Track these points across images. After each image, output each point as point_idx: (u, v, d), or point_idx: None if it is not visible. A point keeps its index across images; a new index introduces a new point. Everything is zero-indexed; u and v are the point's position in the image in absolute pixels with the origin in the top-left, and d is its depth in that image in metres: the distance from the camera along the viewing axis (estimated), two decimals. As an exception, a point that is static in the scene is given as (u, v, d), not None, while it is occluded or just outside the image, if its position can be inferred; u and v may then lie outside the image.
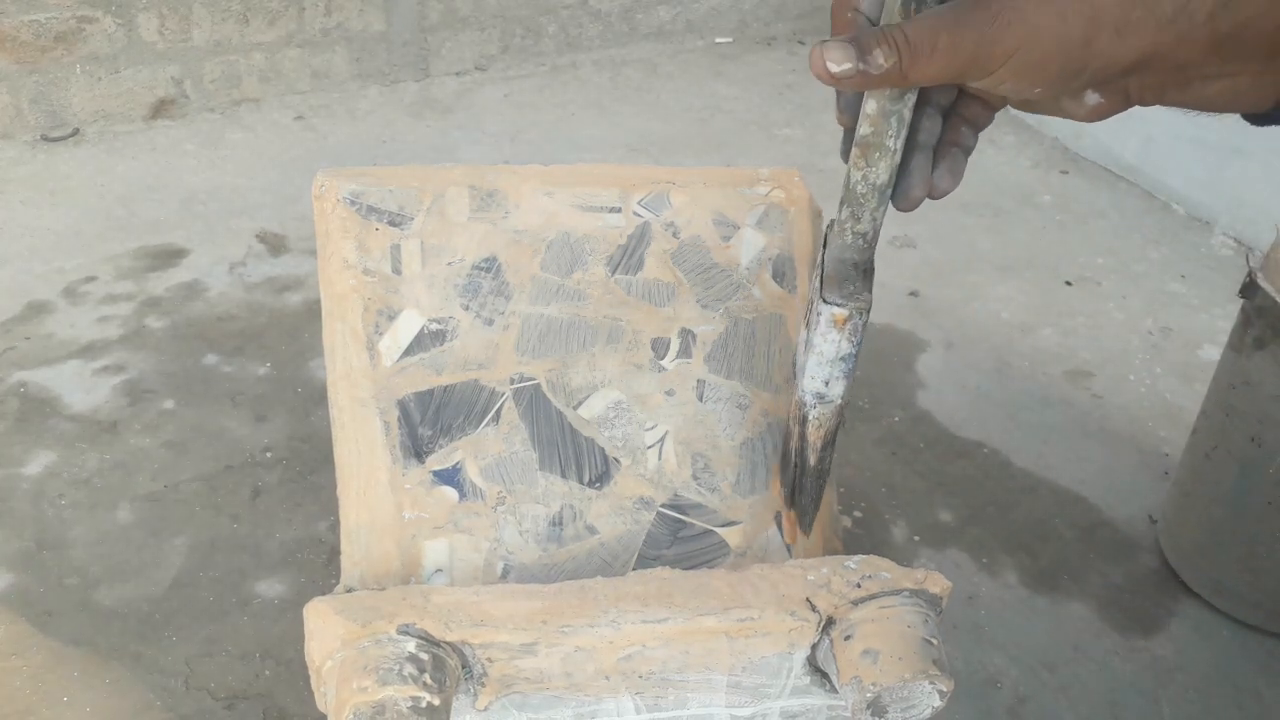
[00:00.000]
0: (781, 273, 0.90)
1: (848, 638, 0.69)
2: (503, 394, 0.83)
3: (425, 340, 0.83)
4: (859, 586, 0.71)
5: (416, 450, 0.80)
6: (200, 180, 2.47)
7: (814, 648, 0.71)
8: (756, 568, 0.74)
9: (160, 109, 2.71)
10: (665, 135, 2.84)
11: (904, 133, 0.57)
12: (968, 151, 0.59)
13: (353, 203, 0.84)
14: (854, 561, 0.74)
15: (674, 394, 0.85)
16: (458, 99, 2.95)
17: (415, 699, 0.63)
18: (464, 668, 0.68)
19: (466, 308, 0.84)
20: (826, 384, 0.69)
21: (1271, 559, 1.45)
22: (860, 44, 0.50)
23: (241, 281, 2.12)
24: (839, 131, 0.61)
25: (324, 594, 0.70)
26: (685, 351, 0.87)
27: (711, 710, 0.73)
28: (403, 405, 0.81)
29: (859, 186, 0.60)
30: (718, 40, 3.43)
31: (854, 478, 1.73)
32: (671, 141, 2.80)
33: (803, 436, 0.74)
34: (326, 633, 0.66)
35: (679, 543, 0.82)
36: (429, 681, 0.63)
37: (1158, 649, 1.49)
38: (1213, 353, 2.03)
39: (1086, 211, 2.58)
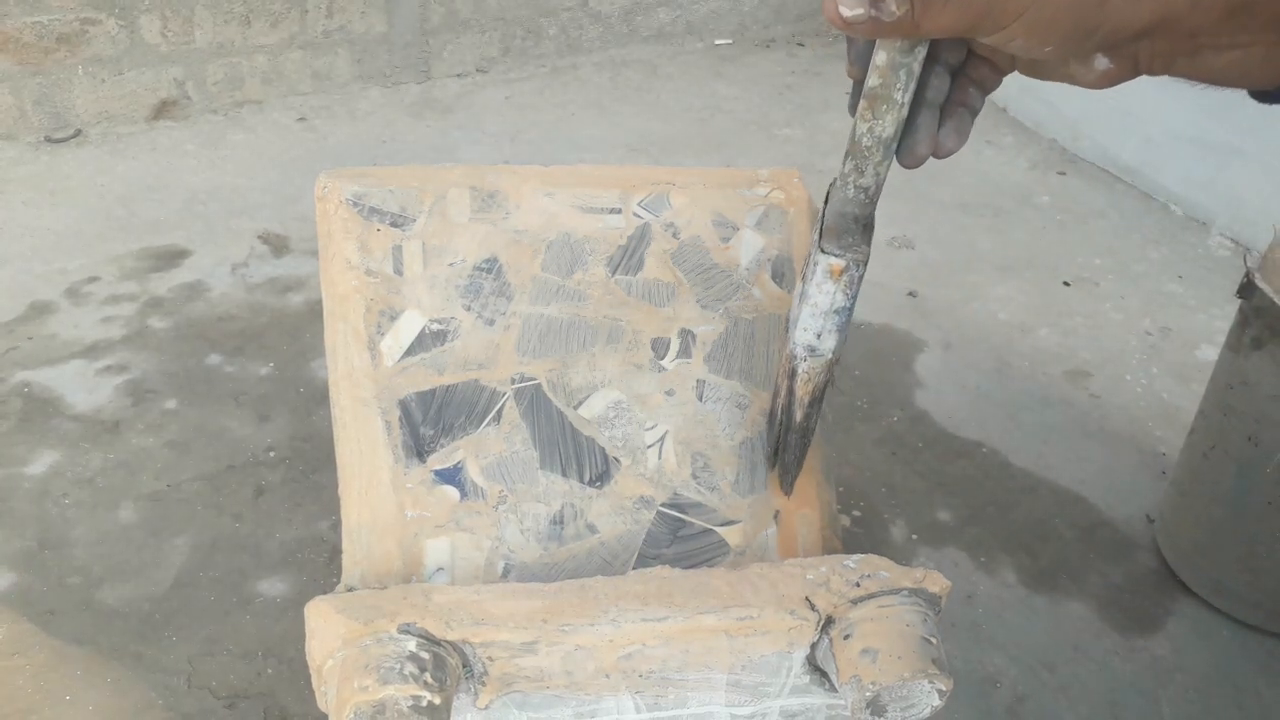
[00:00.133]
0: (781, 273, 0.90)
1: (847, 637, 0.70)
2: (504, 394, 0.83)
3: (427, 340, 0.84)
4: (858, 585, 0.71)
5: (418, 450, 0.81)
6: (202, 181, 2.48)
7: (813, 647, 0.72)
8: (756, 566, 0.74)
9: (162, 110, 2.72)
10: (665, 136, 2.84)
11: (912, 87, 0.56)
12: (974, 113, 0.59)
13: (355, 204, 0.85)
14: (853, 560, 0.74)
15: (674, 394, 0.86)
16: (458, 100, 2.95)
17: (416, 698, 0.63)
18: (465, 666, 0.68)
19: (468, 308, 0.85)
20: (819, 336, 0.68)
21: (1270, 558, 1.45)
22: None
23: (243, 282, 2.13)
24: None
25: (325, 593, 0.70)
26: (685, 351, 0.87)
27: (711, 709, 0.73)
28: (404, 405, 0.81)
29: (864, 139, 0.59)
30: (717, 42, 3.43)
31: (853, 477, 1.73)
32: (671, 142, 2.81)
33: (790, 391, 0.73)
34: (328, 632, 0.66)
35: (679, 542, 0.82)
36: (430, 680, 0.64)
37: (1157, 649, 1.49)
38: (1210, 353, 2.04)
39: (1085, 212, 2.58)
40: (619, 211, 0.90)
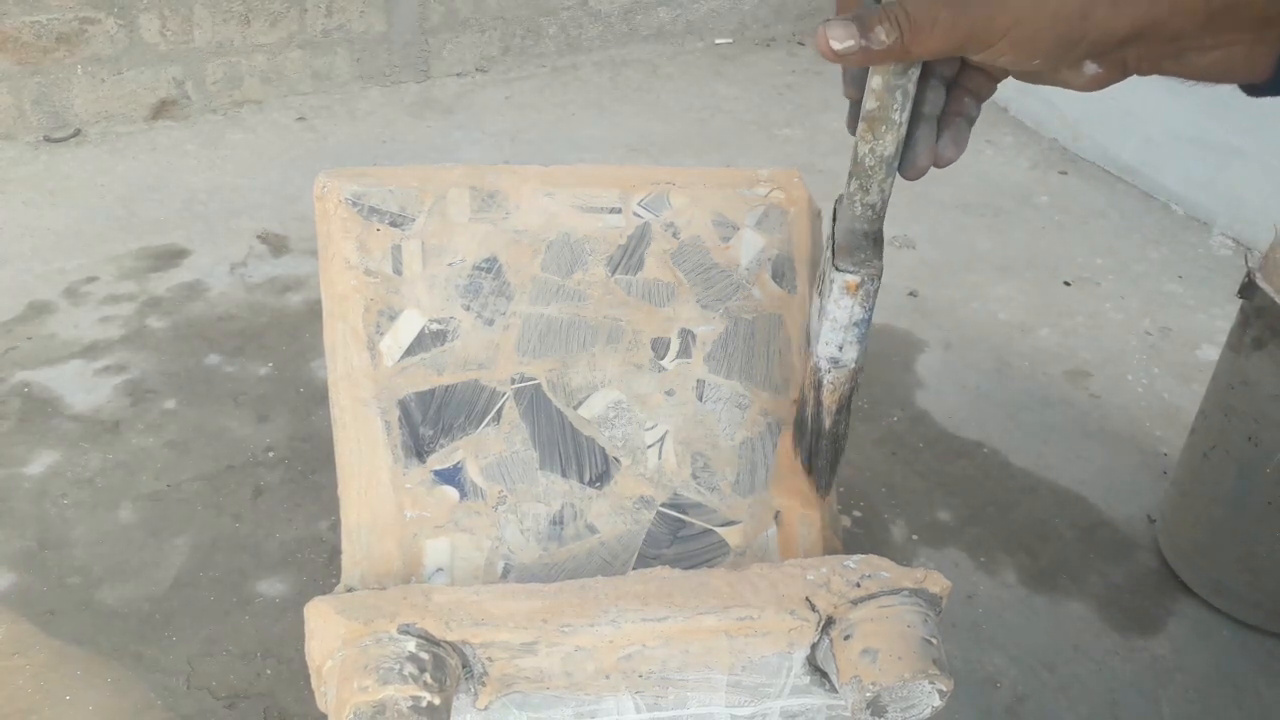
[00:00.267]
0: (781, 273, 0.90)
1: (847, 637, 0.69)
2: (503, 394, 0.83)
3: (426, 340, 0.83)
4: (858, 586, 0.71)
5: (418, 450, 0.80)
6: (201, 181, 2.48)
7: (814, 647, 0.72)
8: (756, 567, 0.74)
9: (162, 110, 2.72)
10: (665, 135, 2.84)
11: (908, 106, 0.58)
12: (971, 121, 0.61)
13: (354, 203, 0.85)
14: (853, 561, 0.74)
15: (674, 394, 0.86)
16: (458, 100, 2.95)
17: (416, 698, 0.63)
18: (464, 667, 0.68)
19: (467, 308, 0.85)
20: (840, 349, 0.72)
21: (1271, 559, 1.45)
22: (862, 21, 0.52)
23: (243, 282, 2.12)
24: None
25: (325, 593, 0.70)
26: (685, 351, 0.87)
27: (711, 710, 0.73)
28: (404, 405, 0.81)
29: (866, 159, 0.61)
30: (717, 41, 3.43)
31: (854, 478, 1.73)
32: (671, 141, 2.81)
33: (818, 401, 0.76)
34: (327, 632, 0.66)
35: (679, 542, 0.82)
36: (429, 681, 0.64)
37: (1157, 649, 1.49)
38: (1211, 353, 2.04)
39: (1085, 212, 2.58)
40: (619, 211, 0.90)
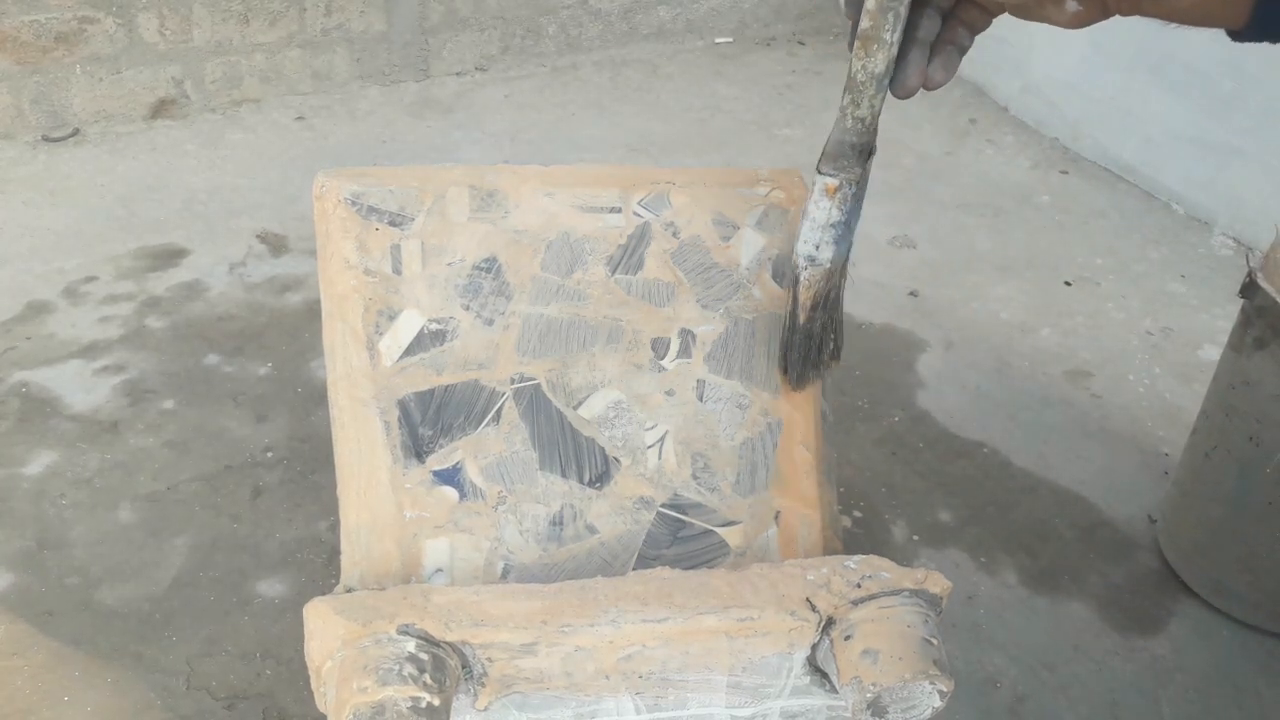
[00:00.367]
0: (781, 273, 0.90)
1: (848, 638, 0.69)
2: (503, 394, 0.83)
3: (425, 340, 0.83)
4: (859, 586, 0.71)
5: (417, 450, 0.80)
6: (201, 180, 2.47)
7: (814, 648, 0.71)
8: (756, 567, 0.74)
9: (161, 109, 2.71)
10: (665, 135, 2.84)
11: (900, 28, 0.64)
12: (963, 51, 0.66)
13: (353, 203, 0.85)
14: (854, 561, 0.74)
15: (674, 394, 0.86)
16: (458, 99, 2.95)
17: (415, 699, 0.63)
18: (464, 667, 0.68)
19: (467, 308, 0.84)
20: (817, 248, 0.77)
21: (1271, 559, 1.45)
22: None
23: (242, 281, 2.12)
24: None
25: (324, 594, 0.70)
26: (685, 351, 0.87)
27: (711, 710, 0.73)
28: (403, 405, 0.81)
29: (859, 75, 0.67)
30: (718, 40, 3.43)
31: (854, 478, 1.73)
32: (671, 141, 2.81)
33: (794, 298, 0.80)
34: (327, 633, 0.66)
35: (679, 542, 0.82)
36: (429, 681, 0.64)
37: (1157, 649, 1.49)
38: (1212, 353, 2.04)
39: (1086, 212, 2.58)
40: (619, 211, 0.89)
